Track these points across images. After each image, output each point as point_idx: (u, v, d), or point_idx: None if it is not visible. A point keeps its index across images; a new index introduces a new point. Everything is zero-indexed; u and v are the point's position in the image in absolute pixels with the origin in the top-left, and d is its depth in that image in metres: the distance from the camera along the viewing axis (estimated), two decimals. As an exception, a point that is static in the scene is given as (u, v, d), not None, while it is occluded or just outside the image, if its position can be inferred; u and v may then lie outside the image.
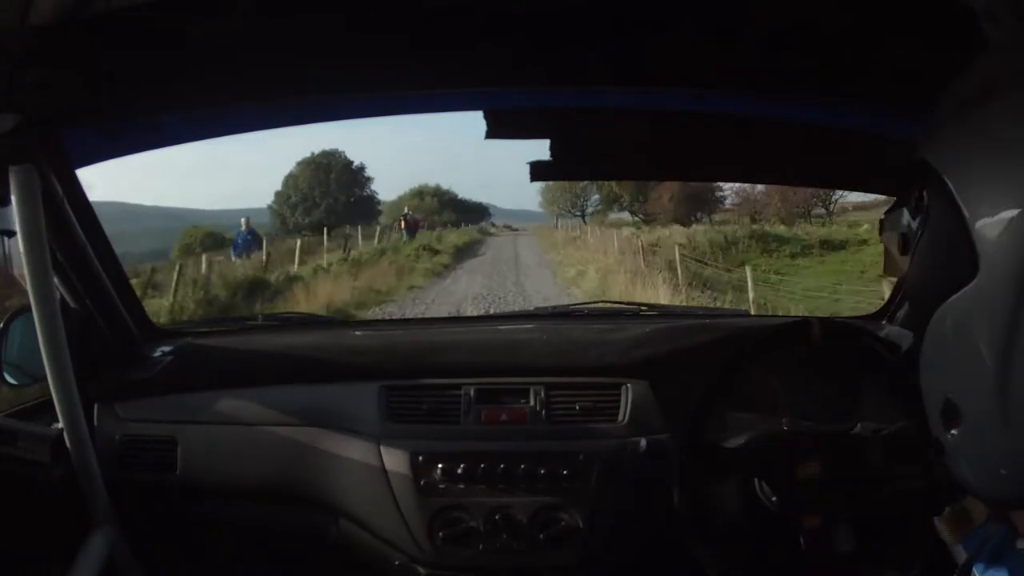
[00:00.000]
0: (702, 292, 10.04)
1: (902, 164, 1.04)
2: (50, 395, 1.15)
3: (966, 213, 0.57)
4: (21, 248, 1.01)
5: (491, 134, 1.06)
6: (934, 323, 0.62)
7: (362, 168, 32.23)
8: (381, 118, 1.14)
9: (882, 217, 0.76)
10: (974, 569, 0.67)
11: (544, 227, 33.07)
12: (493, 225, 38.29)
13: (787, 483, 1.10)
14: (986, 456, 0.60)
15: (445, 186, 39.03)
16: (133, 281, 1.37)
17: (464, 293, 10.47)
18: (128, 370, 1.33)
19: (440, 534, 1.23)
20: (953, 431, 0.61)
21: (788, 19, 0.86)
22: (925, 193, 0.63)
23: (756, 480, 1.13)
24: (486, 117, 1.05)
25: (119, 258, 1.31)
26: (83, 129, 1.05)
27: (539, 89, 1.03)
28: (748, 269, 9.63)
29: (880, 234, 0.75)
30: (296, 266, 12.84)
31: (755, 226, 17.97)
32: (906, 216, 0.68)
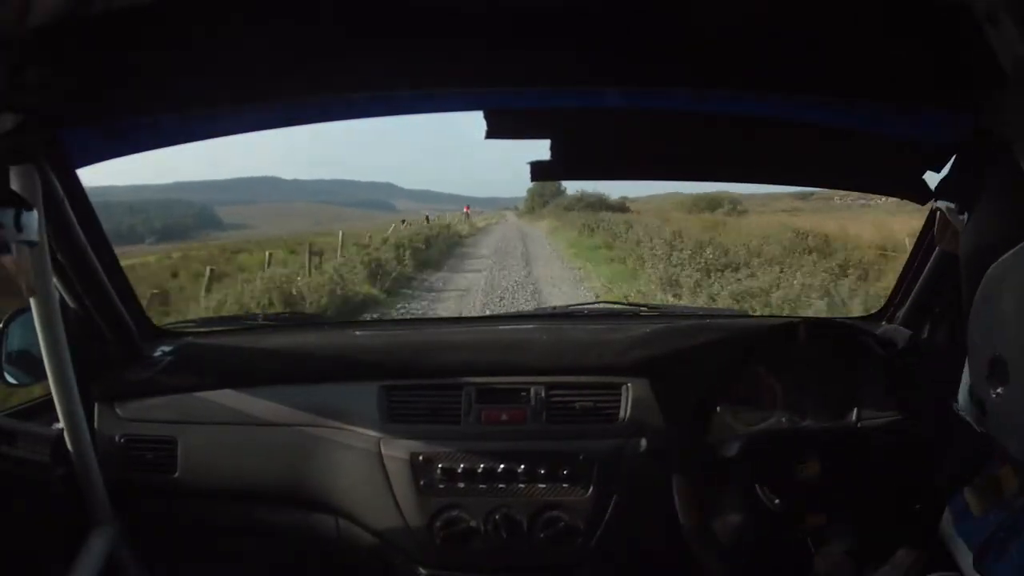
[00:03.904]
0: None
1: (901, 164, 1.04)
2: (50, 395, 1.16)
3: None
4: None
5: (491, 134, 1.06)
6: (986, 280, 0.62)
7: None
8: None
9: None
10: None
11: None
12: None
13: (787, 482, 1.11)
14: None
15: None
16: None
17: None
18: (128, 370, 1.33)
19: (440, 534, 1.23)
20: (999, 390, 0.61)
21: (788, 19, 0.86)
22: (986, 160, 0.64)
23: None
24: (486, 117, 1.05)
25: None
26: (83, 129, 1.05)
27: (539, 89, 1.03)
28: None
29: (935, 199, 0.75)
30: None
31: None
32: (964, 183, 0.68)
